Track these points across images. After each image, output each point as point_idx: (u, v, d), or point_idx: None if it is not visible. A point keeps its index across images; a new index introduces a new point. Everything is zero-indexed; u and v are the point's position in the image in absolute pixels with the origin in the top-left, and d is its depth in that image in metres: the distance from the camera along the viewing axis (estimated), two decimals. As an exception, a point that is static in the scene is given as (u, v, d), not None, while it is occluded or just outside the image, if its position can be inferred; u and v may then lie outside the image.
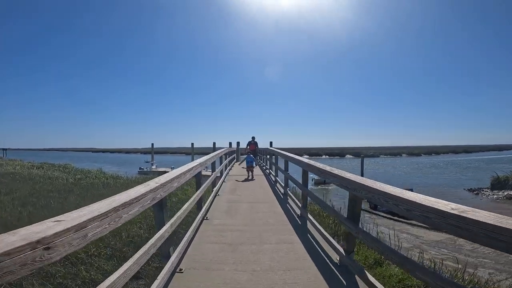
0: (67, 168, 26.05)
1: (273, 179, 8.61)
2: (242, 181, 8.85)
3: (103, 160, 65.85)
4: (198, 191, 4.12)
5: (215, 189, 6.05)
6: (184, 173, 3.00)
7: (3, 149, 70.10)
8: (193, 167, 3.46)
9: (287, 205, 5.72)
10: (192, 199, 3.64)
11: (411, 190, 2.17)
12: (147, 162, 38.19)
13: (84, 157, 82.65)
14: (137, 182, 15.11)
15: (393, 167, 49.60)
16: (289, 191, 6.30)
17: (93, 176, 18.96)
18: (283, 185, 6.82)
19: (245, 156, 12.68)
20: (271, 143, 21.44)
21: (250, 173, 9.36)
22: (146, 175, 23.37)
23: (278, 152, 7.37)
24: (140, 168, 37.32)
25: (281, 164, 6.86)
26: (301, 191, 4.77)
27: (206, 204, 4.89)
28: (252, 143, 14.72)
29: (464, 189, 27.94)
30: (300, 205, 4.85)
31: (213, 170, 5.90)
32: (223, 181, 8.16)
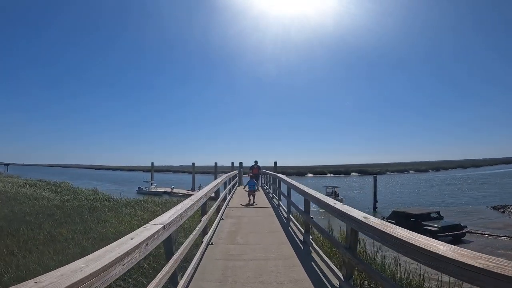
0: (60, 187, 24.46)
1: (285, 215, 6.73)
2: (244, 205, 9.03)
3: (103, 178, 64.18)
4: (170, 262, 2.35)
5: (206, 237, 4.19)
6: (117, 261, 1.19)
7: (5, 164, 69.17)
8: (153, 234, 1.64)
9: (312, 263, 3.88)
10: (156, 280, 1.85)
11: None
12: (146, 181, 36.36)
13: (85, 175, 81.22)
14: (127, 206, 13.31)
15: (406, 185, 46.75)
16: (311, 239, 4.49)
17: (83, 197, 17.28)
18: (302, 230, 4.97)
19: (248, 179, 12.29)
20: (275, 163, 19.64)
21: (252, 198, 9.54)
22: (144, 195, 21.62)
23: (293, 185, 5.54)
24: (139, 188, 35.48)
25: (299, 202, 5.03)
26: (343, 253, 2.94)
27: (187, 272, 3.07)
28: (255, 167, 15.64)
29: (488, 207, 25.52)
30: (339, 274, 3.01)
31: (204, 213, 4.08)
32: (221, 218, 6.29)
